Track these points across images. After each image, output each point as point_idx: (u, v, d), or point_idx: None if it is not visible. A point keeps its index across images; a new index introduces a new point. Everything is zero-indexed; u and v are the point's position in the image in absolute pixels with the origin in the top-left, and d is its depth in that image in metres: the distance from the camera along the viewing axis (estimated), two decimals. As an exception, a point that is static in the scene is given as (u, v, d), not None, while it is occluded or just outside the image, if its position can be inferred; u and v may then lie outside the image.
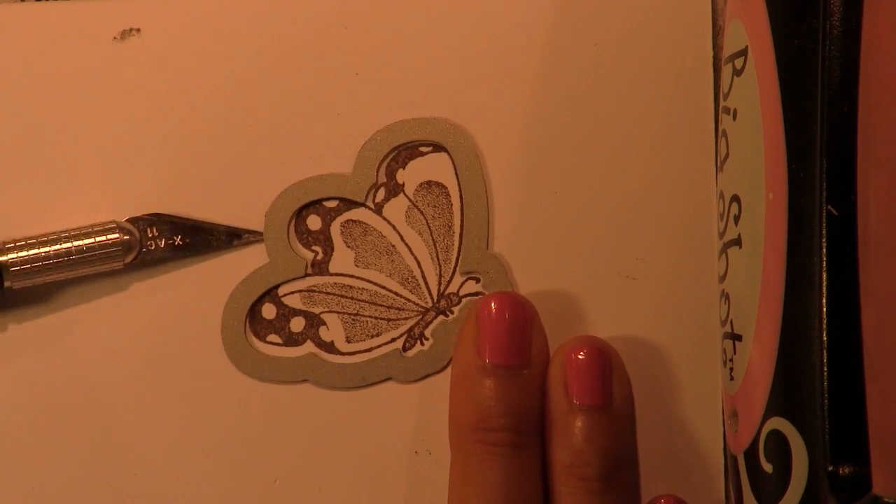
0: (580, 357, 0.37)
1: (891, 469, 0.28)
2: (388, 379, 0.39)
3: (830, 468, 0.28)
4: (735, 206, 0.34)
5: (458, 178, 0.40)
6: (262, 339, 0.40)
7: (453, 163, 0.40)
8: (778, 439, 0.31)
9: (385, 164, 0.40)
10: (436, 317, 0.40)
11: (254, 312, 0.40)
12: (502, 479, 0.34)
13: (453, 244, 0.40)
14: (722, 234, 0.36)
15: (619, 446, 0.36)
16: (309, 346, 0.40)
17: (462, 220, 0.40)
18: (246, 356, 0.39)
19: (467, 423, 0.35)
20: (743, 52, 0.34)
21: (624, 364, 0.37)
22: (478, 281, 0.40)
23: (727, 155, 0.36)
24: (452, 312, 0.40)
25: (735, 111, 0.35)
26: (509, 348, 0.35)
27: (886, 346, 0.28)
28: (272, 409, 0.39)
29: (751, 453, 0.33)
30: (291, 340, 0.40)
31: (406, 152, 0.40)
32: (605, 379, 0.36)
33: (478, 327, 0.36)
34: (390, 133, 0.40)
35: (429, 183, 0.40)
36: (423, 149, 0.40)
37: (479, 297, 0.39)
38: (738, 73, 0.34)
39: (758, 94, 0.33)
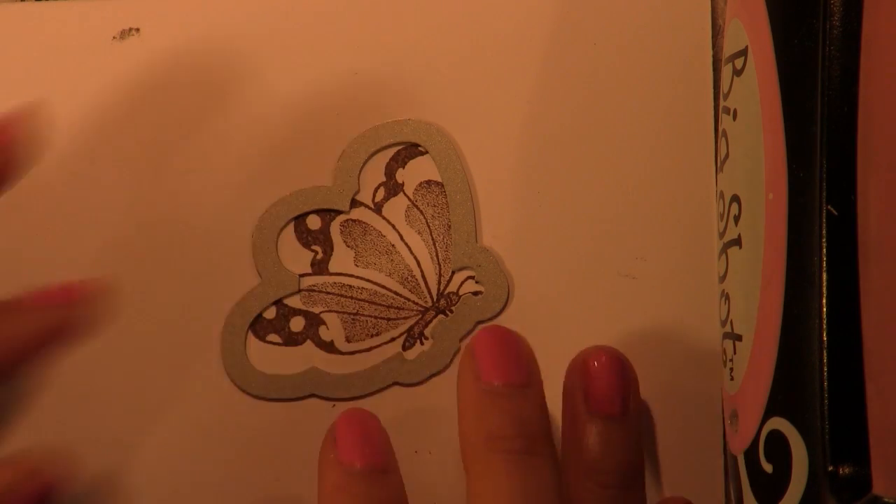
0: (599, 365, 0.37)
1: (891, 469, 0.28)
2: (395, 384, 0.39)
3: (830, 468, 0.28)
4: (735, 206, 0.34)
5: (440, 177, 0.40)
6: (262, 338, 0.40)
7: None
8: (778, 439, 0.31)
9: (364, 171, 0.40)
10: (435, 316, 0.40)
11: (253, 312, 0.40)
12: (522, 486, 0.34)
13: (452, 243, 0.40)
14: (722, 234, 0.36)
15: (637, 454, 0.37)
16: (309, 346, 0.40)
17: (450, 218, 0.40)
18: (249, 377, 0.39)
19: (478, 440, 0.35)
20: (743, 52, 0.34)
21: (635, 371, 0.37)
22: (477, 281, 0.40)
23: (727, 155, 0.36)
24: (452, 312, 0.40)
25: (735, 111, 0.35)
26: (508, 368, 0.35)
27: (886, 346, 0.28)
28: (273, 411, 0.39)
29: (751, 453, 0.33)
30: (291, 340, 0.40)
31: (405, 151, 0.40)
32: (625, 388, 0.37)
33: (474, 355, 0.36)
34: (365, 139, 0.40)
35: (428, 182, 0.40)
36: (422, 148, 0.40)
37: (473, 332, 0.39)
38: (738, 73, 0.34)
39: (758, 94, 0.33)
